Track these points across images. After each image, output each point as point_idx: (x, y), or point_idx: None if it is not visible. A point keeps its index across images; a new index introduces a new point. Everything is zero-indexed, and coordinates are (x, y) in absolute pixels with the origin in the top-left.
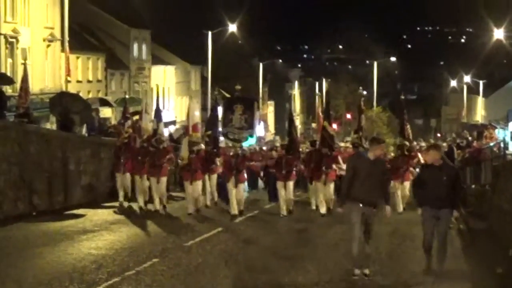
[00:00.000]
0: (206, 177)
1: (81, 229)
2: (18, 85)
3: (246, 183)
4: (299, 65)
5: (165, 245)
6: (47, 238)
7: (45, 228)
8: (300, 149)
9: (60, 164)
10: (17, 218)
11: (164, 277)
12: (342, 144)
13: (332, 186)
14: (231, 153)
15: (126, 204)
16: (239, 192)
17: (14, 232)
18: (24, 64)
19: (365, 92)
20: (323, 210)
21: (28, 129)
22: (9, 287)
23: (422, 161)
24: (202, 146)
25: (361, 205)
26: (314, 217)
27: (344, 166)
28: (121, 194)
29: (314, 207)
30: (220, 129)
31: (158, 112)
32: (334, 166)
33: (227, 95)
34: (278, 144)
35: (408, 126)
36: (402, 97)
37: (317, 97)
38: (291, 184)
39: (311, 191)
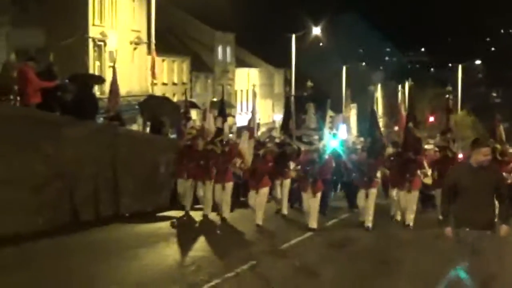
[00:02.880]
0: (278, 182)
1: (175, 230)
2: (107, 87)
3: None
4: (381, 68)
5: (258, 248)
6: (143, 240)
7: (139, 230)
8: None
9: (150, 167)
10: (111, 219)
11: (265, 279)
12: (426, 147)
13: (416, 194)
14: (305, 158)
15: (187, 212)
16: (316, 202)
17: (111, 233)
18: (113, 67)
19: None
20: (410, 223)
21: (119, 132)
22: None
23: None
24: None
25: (467, 229)
26: (395, 231)
27: (429, 172)
28: (182, 201)
29: (398, 218)
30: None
31: (223, 110)
32: (418, 172)
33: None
34: (358, 147)
35: (501, 127)
36: (494, 94)
37: (399, 94)
38: (373, 191)
39: (392, 199)
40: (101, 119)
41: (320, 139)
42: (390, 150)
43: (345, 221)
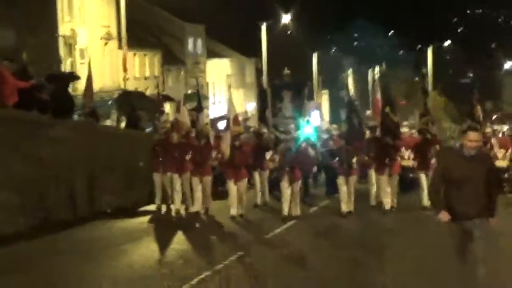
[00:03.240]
0: (256, 173)
1: (158, 225)
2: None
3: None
4: (351, 53)
5: (244, 238)
6: (127, 236)
7: (122, 226)
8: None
9: (130, 162)
10: (93, 216)
11: (254, 270)
12: (405, 130)
13: (397, 179)
14: (284, 147)
15: (164, 207)
16: (294, 191)
17: (93, 231)
18: (88, 64)
19: (417, 78)
20: (387, 206)
21: (97, 128)
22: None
23: (496, 147)
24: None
25: (458, 222)
26: (377, 217)
27: (406, 155)
28: (158, 196)
29: (373, 203)
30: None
31: (199, 103)
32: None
33: None
34: (335, 133)
35: (479, 108)
36: (471, 74)
37: (370, 78)
38: (353, 178)
39: (370, 184)
40: (76, 116)
41: (297, 127)
42: (367, 135)
43: (326, 208)
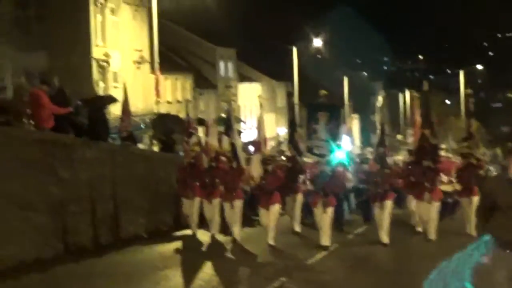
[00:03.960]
0: (290, 198)
1: (196, 250)
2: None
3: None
4: (382, 77)
5: (286, 265)
6: (167, 260)
7: (161, 250)
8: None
9: (165, 186)
10: (130, 240)
11: None
12: (443, 153)
13: (437, 205)
14: (317, 171)
15: (199, 232)
16: (327, 218)
17: (132, 255)
18: (124, 87)
19: (448, 102)
20: (430, 235)
21: (133, 151)
22: None
23: None
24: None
25: (508, 251)
26: (418, 244)
27: (445, 179)
28: (193, 222)
29: (419, 229)
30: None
31: (228, 126)
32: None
33: None
34: (370, 157)
35: None
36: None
37: (414, 100)
38: (388, 204)
39: (411, 210)
40: (109, 140)
41: (330, 151)
42: (399, 158)
43: (364, 235)
